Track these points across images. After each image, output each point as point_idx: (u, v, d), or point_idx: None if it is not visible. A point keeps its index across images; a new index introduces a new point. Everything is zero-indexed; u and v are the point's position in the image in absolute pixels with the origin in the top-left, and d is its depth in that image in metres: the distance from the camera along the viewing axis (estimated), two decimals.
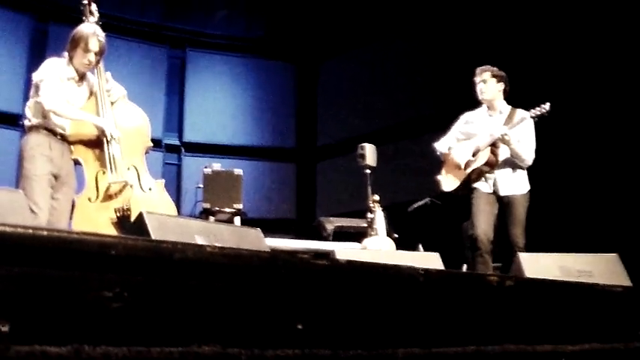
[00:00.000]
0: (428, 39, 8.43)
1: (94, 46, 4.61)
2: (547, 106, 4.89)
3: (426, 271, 2.06)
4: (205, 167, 7.78)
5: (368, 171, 6.75)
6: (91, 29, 4.66)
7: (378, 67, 9.14)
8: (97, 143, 4.60)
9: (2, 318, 1.16)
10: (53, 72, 4.58)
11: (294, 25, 10.14)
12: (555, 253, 3.69)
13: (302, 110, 10.21)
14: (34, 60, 8.22)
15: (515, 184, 5.06)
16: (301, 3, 9.99)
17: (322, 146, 9.91)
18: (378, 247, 5.90)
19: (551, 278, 3.01)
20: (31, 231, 1.12)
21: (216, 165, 7.84)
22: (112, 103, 4.82)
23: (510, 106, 5.20)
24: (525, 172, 5.10)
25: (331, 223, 7.26)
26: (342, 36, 9.73)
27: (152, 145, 4.93)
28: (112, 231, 4.35)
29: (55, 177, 4.48)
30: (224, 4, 10.03)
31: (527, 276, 3.33)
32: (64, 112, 4.55)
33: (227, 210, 7.50)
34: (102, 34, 4.70)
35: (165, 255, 1.30)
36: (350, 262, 1.85)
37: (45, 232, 1.16)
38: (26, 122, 4.59)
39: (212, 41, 9.96)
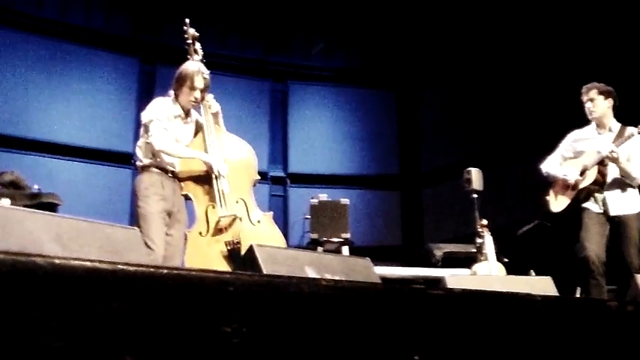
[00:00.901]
0: (531, 60, 8.26)
1: (199, 83, 4.70)
2: None
3: (544, 297, 2.00)
4: (312, 198, 7.89)
5: (475, 195, 6.66)
6: (195, 67, 4.75)
7: (480, 90, 9.00)
8: (206, 179, 4.70)
9: (126, 353, 1.19)
10: (160, 112, 4.69)
11: (392, 53, 10.16)
12: None
13: (404, 137, 10.13)
14: (143, 100, 8.44)
15: (626, 204, 4.91)
16: (399, 31, 10.01)
17: (427, 172, 9.79)
18: (489, 273, 5.79)
19: None
20: (152, 269, 1.16)
21: (322, 195, 7.95)
22: (217, 126, 4.90)
23: (620, 124, 5.05)
24: (637, 190, 4.94)
25: (440, 249, 7.13)
26: (443, 60, 9.66)
27: (259, 178, 4.96)
28: (223, 264, 4.45)
29: (169, 214, 4.59)
30: (322, 36, 10.15)
31: None
32: (173, 152, 4.64)
33: (335, 240, 7.54)
34: (206, 71, 4.79)
35: (282, 289, 1.31)
36: (465, 291, 1.80)
37: (165, 270, 1.20)
38: (138, 162, 4.76)
39: (313, 73, 10.07)
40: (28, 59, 8.20)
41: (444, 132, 9.51)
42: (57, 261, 1.05)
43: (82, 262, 1.05)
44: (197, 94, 4.72)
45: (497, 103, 8.67)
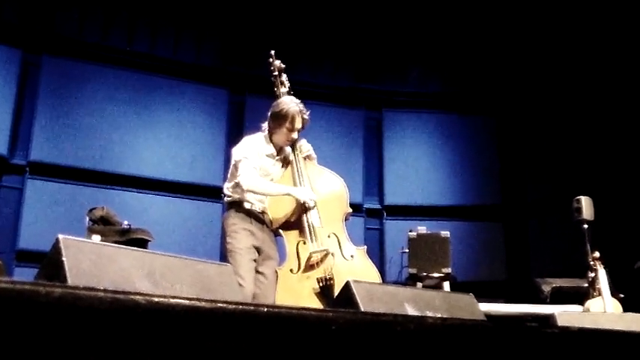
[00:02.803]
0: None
1: (299, 124, 4.84)
2: None
3: None
4: (410, 231, 7.77)
5: (585, 225, 6.39)
6: (295, 107, 4.83)
7: (590, 113, 8.63)
8: (295, 213, 4.79)
9: None
10: (252, 151, 4.81)
11: (492, 77, 10.00)
12: None
13: (507, 165, 9.92)
14: (233, 131, 8.74)
15: None
16: (499, 54, 9.86)
17: (532, 201, 9.53)
18: (603, 310, 5.55)
19: None
20: (252, 307, 1.18)
21: (421, 228, 7.83)
22: (305, 161, 4.98)
23: None
24: None
25: (548, 284, 6.91)
26: (547, 84, 9.42)
27: (351, 210, 4.98)
28: (316, 302, 4.48)
29: (258, 250, 4.71)
30: (417, 61, 10.10)
31: None
32: (262, 190, 4.78)
33: (435, 275, 7.42)
34: (306, 111, 4.89)
35: (387, 327, 1.29)
36: (581, 330, 1.74)
37: (265, 309, 1.21)
38: (227, 199, 4.91)
39: (408, 100, 9.98)
40: (118, 93, 8.47)
41: (550, 159, 9.27)
42: (155, 299, 1.08)
43: (180, 301, 1.08)
44: (295, 135, 4.87)
45: (609, 126, 8.39)
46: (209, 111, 8.98)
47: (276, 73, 5.09)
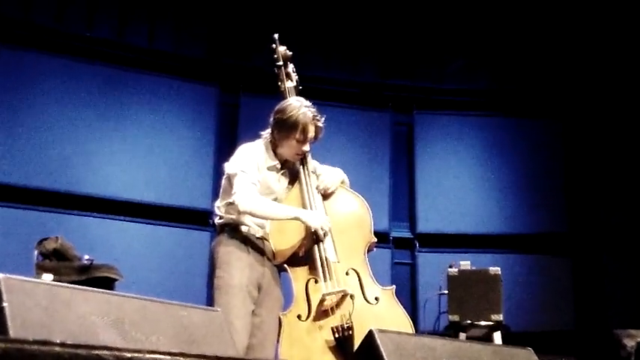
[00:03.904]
0: None
1: (311, 134, 4.74)
2: None
3: None
4: (450, 266, 7.59)
5: None
6: (308, 114, 4.71)
7: None
8: (304, 243, 4.68)
9: None
10: (250, 163, 4.71)
11: (556, 70, 9.90)
12: None
13: (575, 182, 9.79)
14: (224, 140, 8.86)
15: None
16: (567, 39, 9.77)
17: (608, 229, 9.43)
18: None
19: None
20: None
21: (464, 263, 7.63)
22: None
23: None
24: None
25: (631, 338, 6.78)
26: (621, 78, 9.42)
27: (376, 240, 4.89)
28: (330, 357, 4.39)
29: (257, 287, 4.61)
30: (459, 51, 10.01)
31: None
32: (263, 213, 4.66)
33: (483, 323, 7.31)
34: (320, 117, 4.78)
35: None
36: None
37: None
38: (218, 220, 4.84)
39: (447, 99, 9.95)
40: (77, 92, 8.44)
41: (632, 175, 9.21)
42: (127, 355, 1.08)
43: (158, 356, 1.08)
44: (307, 147, 4.77)
45: None
46: (194, 114, 9.02)
47: (281, 62, 5.02)
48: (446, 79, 10.02)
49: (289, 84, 4.98)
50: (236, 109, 9.14)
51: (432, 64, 10.03)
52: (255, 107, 7.99)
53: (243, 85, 9.14)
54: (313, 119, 4.71)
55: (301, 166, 4.88)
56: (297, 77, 5.04)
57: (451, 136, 9.83)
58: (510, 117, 9.93)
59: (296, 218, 4.63)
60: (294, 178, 4.92)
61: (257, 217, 4.67)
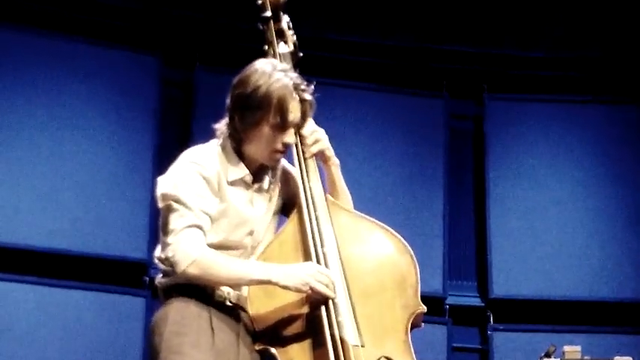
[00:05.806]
0: None
1: (295, 113, 4.44)
2: None
3: None
4: (547, 355, 7.15)
5: None
6: (286, 81, 4.40)
7: None
8: (303, 316, 4.42)
9: None
10: (195, 184, 4.40)
11: None
12: None
13: None
14: (169, 141, 8.71)
15: None
16: None
17: None
18: None
19: None
20: None
21: (571, 349, 7.19)
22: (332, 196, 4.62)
23: None
24: None
25: None
26: None
27: (425, 309, 4.53)
28: None
29: None
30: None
31: None
32: (217, 278, 4.47)
33: None
34: (307, 86, 4.45)
35: None
36: None
37: None
38: (160, 280, 4.52)
39: (540, 75, 9.21)
40: None
41: None
42: None
43: None
44: (289, 138, 4.42)
45: None
46: (120, 101, 8.49)
47: (269, 13, 4.71)
48: (531, 47, 9.30)
49: (282, 48, 4.77)
50: (189, 91, 8.83)
51: (507, 26, 9.22)
52: (220, 89, 7.87)
53: (200, 53, 8.67)
54: (296, 89, 4.43)
55: (301, 182, 4.77)
56: (295, 38, 4.82)
57: (549, 136, 9.15)
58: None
59: (269, 282, 4.41)
60: (288, 198, 4.82)
61: (213, 284, 4.50)
